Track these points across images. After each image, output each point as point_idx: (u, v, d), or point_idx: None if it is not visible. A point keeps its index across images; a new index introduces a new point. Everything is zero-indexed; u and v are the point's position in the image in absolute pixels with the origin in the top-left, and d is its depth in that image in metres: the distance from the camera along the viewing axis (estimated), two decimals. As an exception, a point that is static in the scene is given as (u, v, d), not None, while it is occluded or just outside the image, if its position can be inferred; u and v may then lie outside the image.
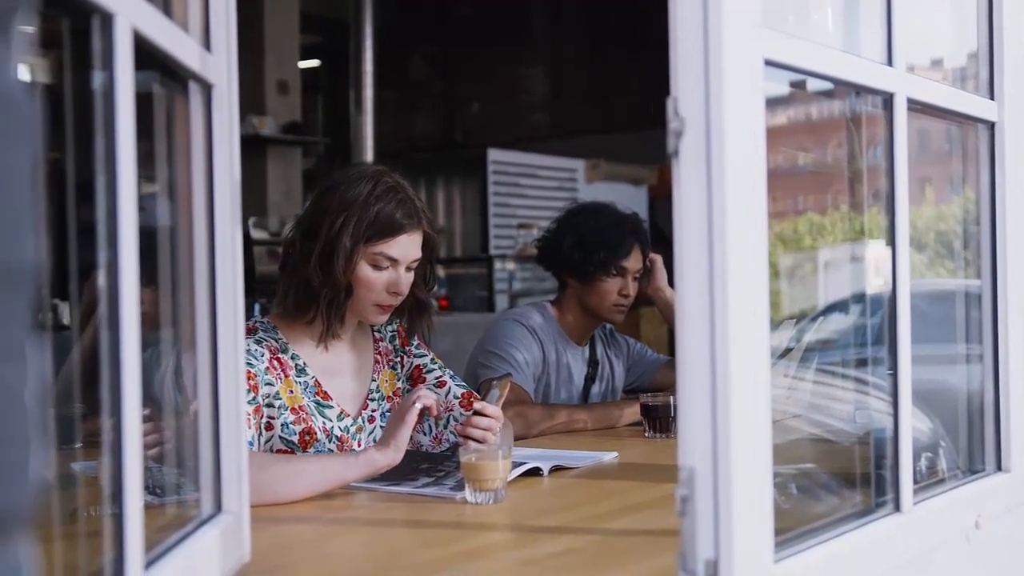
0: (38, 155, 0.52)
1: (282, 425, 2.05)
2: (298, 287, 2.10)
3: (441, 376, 2.30)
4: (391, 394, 2.26)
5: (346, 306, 2.11)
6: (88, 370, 1.43)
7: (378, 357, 2.27)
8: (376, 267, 2.09)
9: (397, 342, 2.31)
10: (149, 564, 1.04)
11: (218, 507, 1.31)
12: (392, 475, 2.00)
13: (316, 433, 2.09)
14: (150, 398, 1.08)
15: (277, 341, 2.12)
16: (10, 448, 0.50)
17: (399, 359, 2.30)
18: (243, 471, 1.34)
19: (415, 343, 2.33)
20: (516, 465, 1.97)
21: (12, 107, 0.50)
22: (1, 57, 0.50)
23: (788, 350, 1.84)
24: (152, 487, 1.24)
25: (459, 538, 1.62)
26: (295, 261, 2.10)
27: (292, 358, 2.13)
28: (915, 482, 1.49)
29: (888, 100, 1.45)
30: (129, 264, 0.96)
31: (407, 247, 2.10)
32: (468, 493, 1.80)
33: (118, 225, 0.95)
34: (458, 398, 2.27)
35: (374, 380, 2.24)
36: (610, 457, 2.27)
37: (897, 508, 1.46)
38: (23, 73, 0.52)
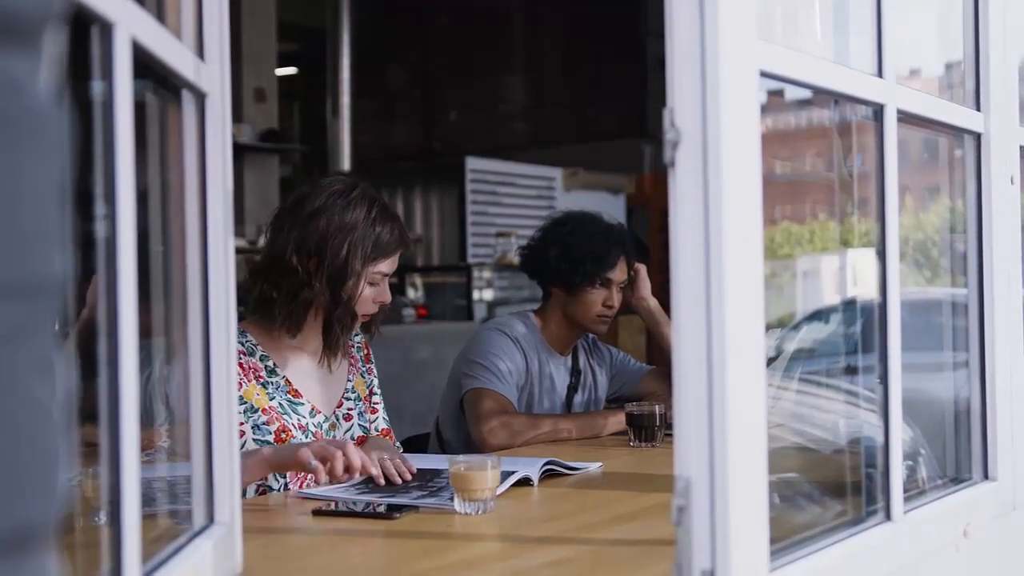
0: (66, 168, 0.52)
1: (254, 427, 2.10)
2: (300, 305, 2.15)
3: (378, 403, 2.42)
4: (364, 396, 2.36)
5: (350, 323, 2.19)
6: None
7: (352, 360, 2.36)
8: (372, 284, 2.20)
9: (362, 354, 2.41)
10: (145, 577, 1.03)
11: (211, 519, 1.30)
12: (385, 489, 1.99)
13: (291, 430, 2.14)
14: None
15: (243, 344, 2.17)
16: (41, 462, 0.49)
17: (367, 369, 2.41)
18: (235, 482, 1.34)
19: (372, 362, 2.43)
20: (506, 476, 1.96)
21: (43, 121, 0.49)
22: (30, 71, 0.50)
23: (771, 359, 1.85)
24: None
25: (450, 549, 1.62)
26: (297, 281, 2.13)
27: (261, 360, 2.18)
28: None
29: (879, 111, 1.46)
30: (127, 274, 0.96)
31: (396, 262, 2.24)
32: (457, 503, 1.79)
33: (117, 235, 0.94)
34: (379, 431, 2.39)
35: (350, 380, 2.33)
36: (595, 467, 2.26)
37: (888, 517, 1.46)
38: (51, 86, 0.52)
